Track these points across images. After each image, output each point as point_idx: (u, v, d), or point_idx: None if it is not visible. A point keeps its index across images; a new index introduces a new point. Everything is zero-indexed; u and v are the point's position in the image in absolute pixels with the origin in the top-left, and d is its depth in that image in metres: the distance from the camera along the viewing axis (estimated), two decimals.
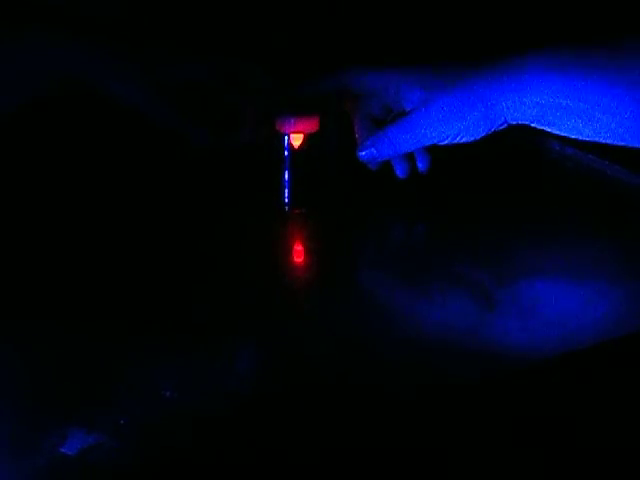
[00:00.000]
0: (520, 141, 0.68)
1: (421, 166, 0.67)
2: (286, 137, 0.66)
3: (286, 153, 0.66)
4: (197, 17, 0.75)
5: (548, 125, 0.61)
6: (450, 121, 0.62)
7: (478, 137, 0.63)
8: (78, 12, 0.63)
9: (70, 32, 0.63)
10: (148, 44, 0.65)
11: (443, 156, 0.66)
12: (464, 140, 0.63)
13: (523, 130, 0.63)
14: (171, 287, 0.55)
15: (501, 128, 0.62)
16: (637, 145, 0.60)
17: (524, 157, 0.77)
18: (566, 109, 0.59)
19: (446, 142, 0.64)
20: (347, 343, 0.50)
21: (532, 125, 0.62)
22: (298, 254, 0.64)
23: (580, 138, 0.61)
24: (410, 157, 0.67)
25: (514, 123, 0.62)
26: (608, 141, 0.61)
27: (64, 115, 0.69)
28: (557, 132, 0.62)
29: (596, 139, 0.61)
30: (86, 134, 0.71)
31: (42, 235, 0.61)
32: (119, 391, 0.45)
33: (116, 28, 0.65)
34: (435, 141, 0.64)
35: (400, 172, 0.67)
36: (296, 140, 0.66)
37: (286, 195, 0.67)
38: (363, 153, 0.66)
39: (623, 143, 0.61)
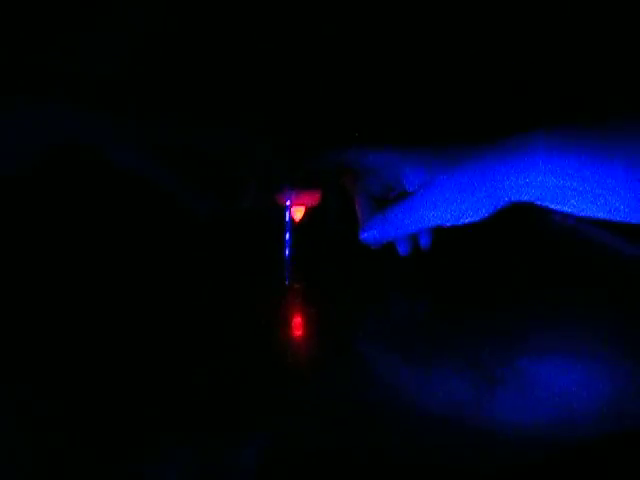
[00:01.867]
0: (520, 213, 0.68)
1: (423, 243, 0.67)
2: (287, 210, 0.66)
3: (287, 226, 0.66)
4: (202, 88, 0.75)
5: (552, 203, 0.61)
6: (453, 203, 0.62)
7: (481, 217, 0.62)
8: (77, 74, 0.63)
9: (69, 96, 0.62)
10: (150, 110, 0.65)
11: (445, 232, 0.65)
12: (467, 221, 0.62)
13: (523, 204, 0.62)
14: (168, 360, 0.55)
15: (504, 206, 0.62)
16: None
17: (524, 229, 0.77)
18: (570, 189, 0.59)
19: (449, 224, 0.63)
20: (348, 418, 0.49)
21: (536, 203, 0.61)
22: (298, 328, 0.63)
23: (584, 215, 0.61)
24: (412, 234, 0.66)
25: (517, 201, 0.61)
26: (612, 218, 0.60)
27: (60, 176, 0.69)
28: (560, 209, 0.61)
29: (600, 216, 0.60)
30: (84, 196, 0.71)
31: (41, 317, 0.60)
32: None
33: (118, 92, 0.64)
34: (438, 223, 0.63)
35: (402, 250, 0.67)
36: (297, 213, 0.66)
37: (286, 269, 0.66)
38: (364, 235, 0.65)
39: (628, 220, 0.60)
